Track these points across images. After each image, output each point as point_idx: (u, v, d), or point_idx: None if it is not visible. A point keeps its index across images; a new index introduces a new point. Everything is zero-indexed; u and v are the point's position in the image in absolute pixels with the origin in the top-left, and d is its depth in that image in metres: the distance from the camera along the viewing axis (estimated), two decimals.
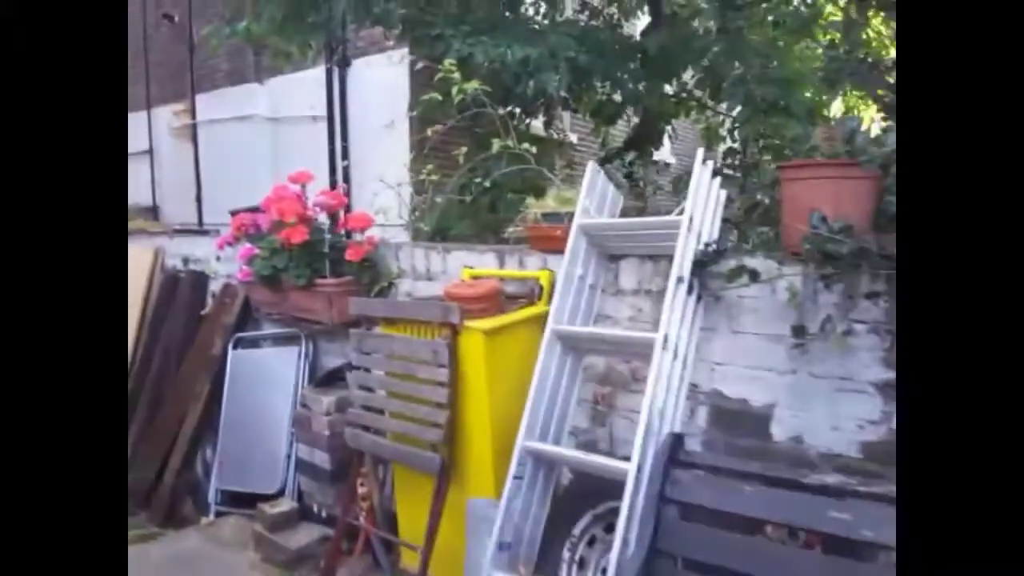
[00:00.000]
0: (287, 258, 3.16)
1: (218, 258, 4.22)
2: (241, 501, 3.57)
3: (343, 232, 3.19)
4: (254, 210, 3.39)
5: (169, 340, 4.23)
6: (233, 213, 3.86)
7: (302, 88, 6.69)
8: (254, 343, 3.90)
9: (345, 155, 6.14)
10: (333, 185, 5.39)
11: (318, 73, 6.45)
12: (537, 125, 5.63)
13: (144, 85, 8.34)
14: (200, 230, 4.89)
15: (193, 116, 7.69)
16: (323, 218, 3.28)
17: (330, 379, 3.37)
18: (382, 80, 6.12)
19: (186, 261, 4.50)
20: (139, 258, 4.74)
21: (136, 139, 8.50)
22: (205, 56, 7.60)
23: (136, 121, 8.47)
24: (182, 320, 4.22)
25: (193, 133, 7.66)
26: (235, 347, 3.84)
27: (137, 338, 4.50)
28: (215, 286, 4.28)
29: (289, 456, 3.45)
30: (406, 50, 6.03)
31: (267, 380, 3.67)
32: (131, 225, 6.22)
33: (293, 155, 6.77)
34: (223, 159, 7.38)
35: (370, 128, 6.15)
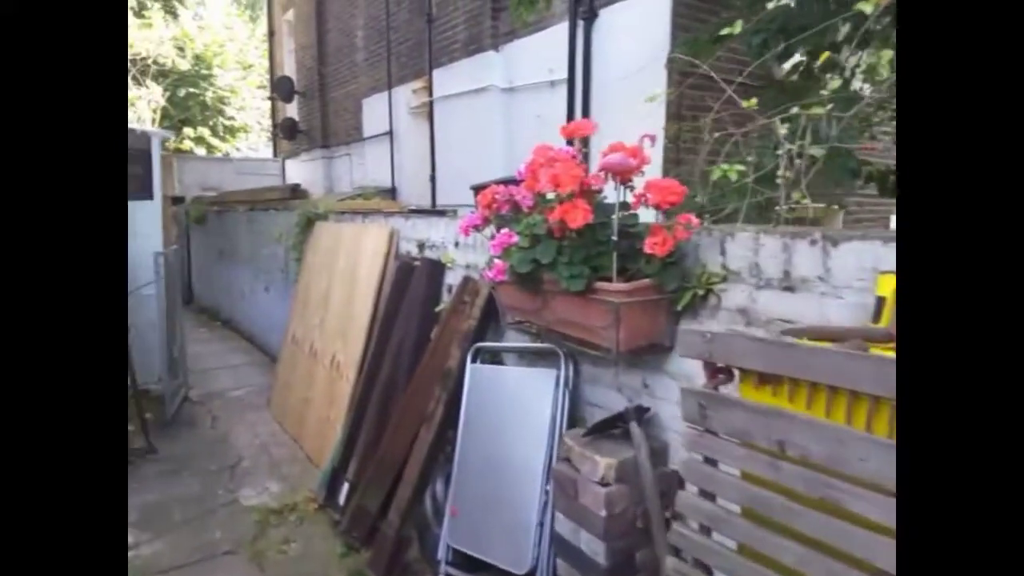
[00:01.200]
0: (554, 249, 2.07)
1: (457, 244, 3.34)
2: (477, 566, 2.64)
3: (635, 212, 2.01)
4: (508, 182, 2.37)
5: (400, 342, 3.47)
6: (476, 189, 2.91)
7: (540, 50, 5.81)
8: (496, 356, 2.94)
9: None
10: None
11: (559, 31, 5.47)
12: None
13: (386, 65, 8.08)
14: (436, 211, 4.10)
15: (430, 93, 7.18)
16: (607, 191, 2.12)
17: (605, 427, 2.24)
18: (635, 31, 4.93)
19: (421, 246, 3.72)
20: (374, 240, 4.09)
21: (378, 121, 8.33)
22: (444, 27, 7.04)
23: (378, 103, 8.28)
24: (416, 319, 3.42)
25: (429, 110, 7.16)
26: (474, 359, 2.91)
27: (368, 335, 3.84)
28: (452, 278, 3.41)
29: (542, 524, 2.42)
30: None
31: (513, 408, 2.68)
32: (366, 205, 5.78)
33: (527, 128, 5.94)
34: (456, 137, 6.82)
35: (617, 89, 5.02)
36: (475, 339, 2.95)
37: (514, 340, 2.87)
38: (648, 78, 4.68)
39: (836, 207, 5.26)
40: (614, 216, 1.99)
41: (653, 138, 1.87)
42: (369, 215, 4.45)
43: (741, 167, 2.01)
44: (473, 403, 2.84)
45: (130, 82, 14.74)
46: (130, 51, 14.41)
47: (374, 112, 8.47)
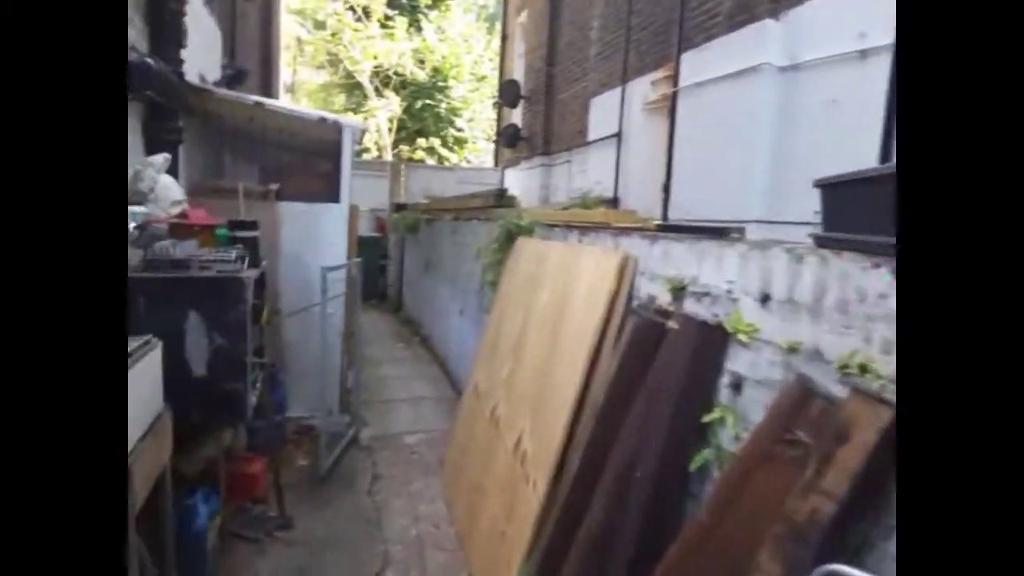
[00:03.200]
0: None
1: (766, 299, 1.56)
2: None
3: None
4: None
5: (628, 466, 1.76)
6: (823, 186, 1.11)
7: (845, 9, 3.77)
8: None
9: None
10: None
11: None
12: None
13: (621, 57, 6.50)
14: (712, 228, 2.31)
15: (674, 83, 5.42)
16: None
17: None
18: None
19: (679, 291, 1.99)
20: (593, 270, 2.47)
21: (605, 122, 6.78)
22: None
23: (608, 101, 6.74)
24: (663, 432, 1.70)
25: (671, 104, 5.40)
26: None
27: (570, 425, 2.21)
28: (746, 363, 1.63)
29: None
30: None
31: None
32: (584, 216, 4.20)
33: (811, 119, 3.95)
34: (702, 135, 4.97)
35: None
36: (827, 545, 1.14)
37: None
38: None
39: None
40: None
41: None
42: (590, 231, 2.84)
43: None
44: None
45: (371, 92, 15.16)
46: (373, 62, 14.77)
47: (602, 112, 6.96)
